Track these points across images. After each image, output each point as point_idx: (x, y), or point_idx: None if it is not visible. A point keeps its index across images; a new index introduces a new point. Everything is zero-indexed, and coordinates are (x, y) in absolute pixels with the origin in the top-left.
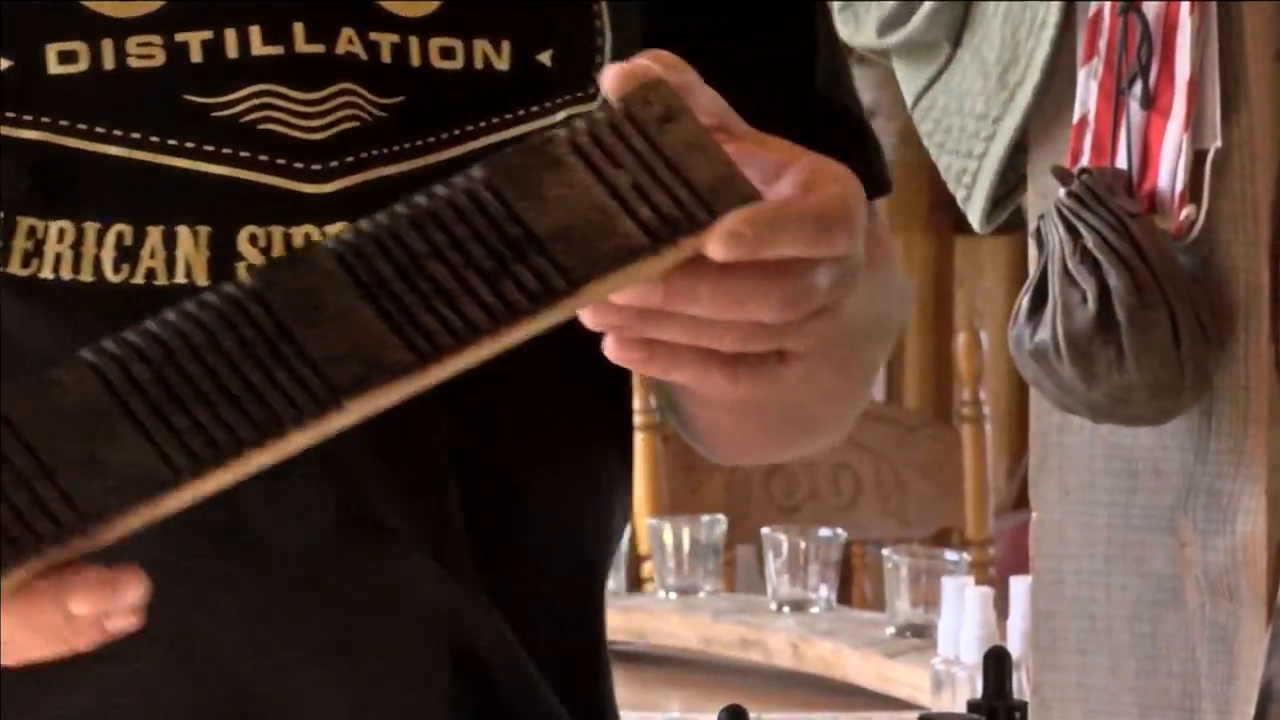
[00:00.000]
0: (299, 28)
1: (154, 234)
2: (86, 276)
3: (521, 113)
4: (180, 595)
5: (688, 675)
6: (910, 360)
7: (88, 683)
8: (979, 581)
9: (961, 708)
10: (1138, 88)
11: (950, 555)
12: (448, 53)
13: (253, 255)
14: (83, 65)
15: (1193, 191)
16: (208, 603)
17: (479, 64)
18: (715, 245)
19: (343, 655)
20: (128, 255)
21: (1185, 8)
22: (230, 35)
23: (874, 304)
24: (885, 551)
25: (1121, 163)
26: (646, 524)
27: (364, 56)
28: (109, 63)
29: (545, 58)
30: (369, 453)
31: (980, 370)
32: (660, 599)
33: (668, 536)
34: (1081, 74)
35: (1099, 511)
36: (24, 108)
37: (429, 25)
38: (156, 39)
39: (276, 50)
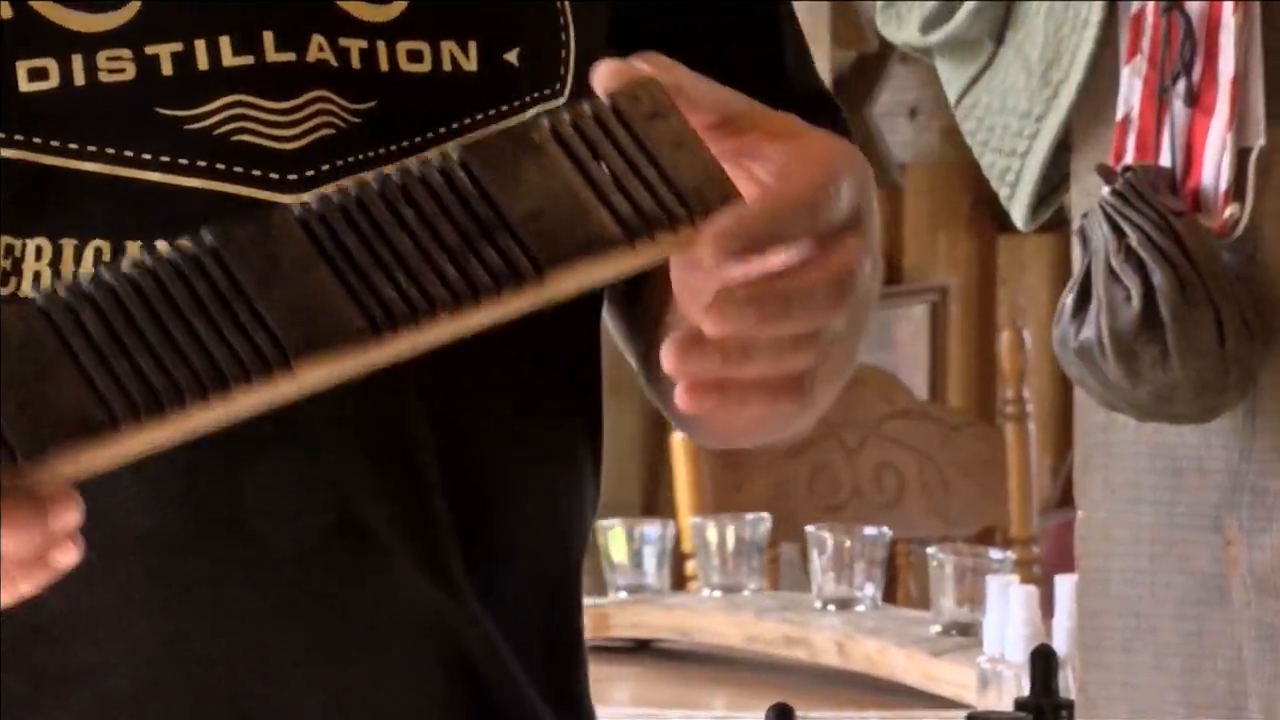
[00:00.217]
0: (269, 37)
1: (131, 249)
2: None
3: (492, 112)
4: (173, 601)
5: (732, 673)
6: (954, 359)
7: (83, 690)
8: (1023, 580)
9: (1008, 706)
10: (1181, 86)
11: (995, 554)
12: (415, 56)
13: None
14: (54, 82)
15: (1237, 189)
16: (201, 609)
17: (447, 65)
18: (707, 249)
19: (335, 660)
20: None
21: (1229, 6)
22: (200, 46)
23: (873, 278)
24: (930, 550)
25: (1165, 161)
26: (690, 522)
27: (335, 63)
28: (80, 78)
29: (513, 57)
30: (359, 462)
31: (1024, 369)
32: (705, 597)
33: (712, 535)
34: (1125, 72)
35: (1144, 510)
36: None
37: (396, 29)
38: (127, 53)
39: (247, 60)
